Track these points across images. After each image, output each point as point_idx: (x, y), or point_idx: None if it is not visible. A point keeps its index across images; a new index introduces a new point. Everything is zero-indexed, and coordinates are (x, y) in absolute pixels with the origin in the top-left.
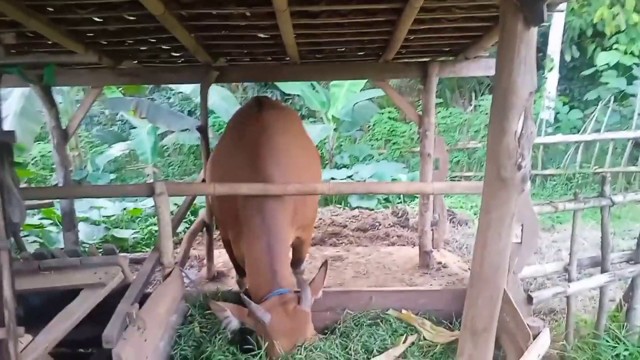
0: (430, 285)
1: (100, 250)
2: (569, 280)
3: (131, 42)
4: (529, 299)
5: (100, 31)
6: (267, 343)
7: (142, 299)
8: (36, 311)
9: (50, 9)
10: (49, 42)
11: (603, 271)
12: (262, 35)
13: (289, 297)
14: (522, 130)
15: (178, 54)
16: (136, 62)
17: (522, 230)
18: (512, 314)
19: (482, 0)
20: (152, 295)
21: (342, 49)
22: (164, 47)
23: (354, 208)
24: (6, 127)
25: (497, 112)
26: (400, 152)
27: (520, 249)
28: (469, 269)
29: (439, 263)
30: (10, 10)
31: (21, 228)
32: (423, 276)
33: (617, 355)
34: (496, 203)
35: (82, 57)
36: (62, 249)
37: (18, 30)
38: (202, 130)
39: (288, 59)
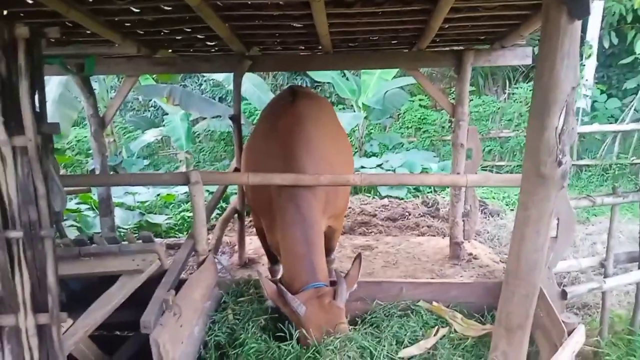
0: (461, 277)
1: (136, 234)
2: (605, 275)
3: (167, 31)
4: (563, 294)
5: (138, 21)
6: (299, 332)
7: (178, 285)
8: (76, 296)
9: (90, 0)
10: (88, 32)
11: None
12: (295, 25)
13: (325, 290)
14: (563, 126)
15: (212, 43)
16: (171, 51)
17: (557, 224)
18: (547, 309)
19: None
20: (187, 282)
21: (376, 38)
22: (199, 36)
23: (384, 197)
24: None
25: (537, 107)
26: (431, 140)
27: (555, 243)
28: (500, 261)
29: (470, 254)
30: (51, 1)
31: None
32: (453, 267)
33: None
34: (535, 200)
35: (121, 49)
36: (98, 233)
37: (57, 20)
38: (235, 119)
39: (320, 47)
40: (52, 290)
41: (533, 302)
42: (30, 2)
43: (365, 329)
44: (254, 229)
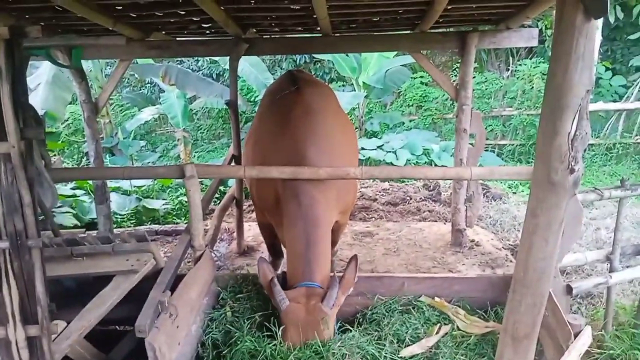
0: (463, 264)
1: (133, 222)
2: (611, 270)
3: (160, 14)
4: (569, 289)
5: (129, 5)
6: (283, 327)
7: (175, 281)
8: (71, 293)
9: None
10: (77, 15)
11: None
12: (293, 7)
13: (316, 291)
14: (576, 131)
15: (207, 25)
16: (164, 33)
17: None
18: (552, 309)
19: None
20: (184, 280)
21: (376, 19)
22: (193, 19)
23: (385, 180)
24: (39, 96)
25: (549, 111)
26: (433, 119)
27: (562, 238)
28: (502, 247)
29: (472, 241)
30: None
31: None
32: (455, 255)
33: None
34: (544, 207)
35: (109, 40)
36: (94, 219)
37: (45, 5)
38: (232, 104)
39: (319, 29)
40: (41, 301)
41: (541, 312)
42: None
43: (366, 326)
44: (253, 215)
